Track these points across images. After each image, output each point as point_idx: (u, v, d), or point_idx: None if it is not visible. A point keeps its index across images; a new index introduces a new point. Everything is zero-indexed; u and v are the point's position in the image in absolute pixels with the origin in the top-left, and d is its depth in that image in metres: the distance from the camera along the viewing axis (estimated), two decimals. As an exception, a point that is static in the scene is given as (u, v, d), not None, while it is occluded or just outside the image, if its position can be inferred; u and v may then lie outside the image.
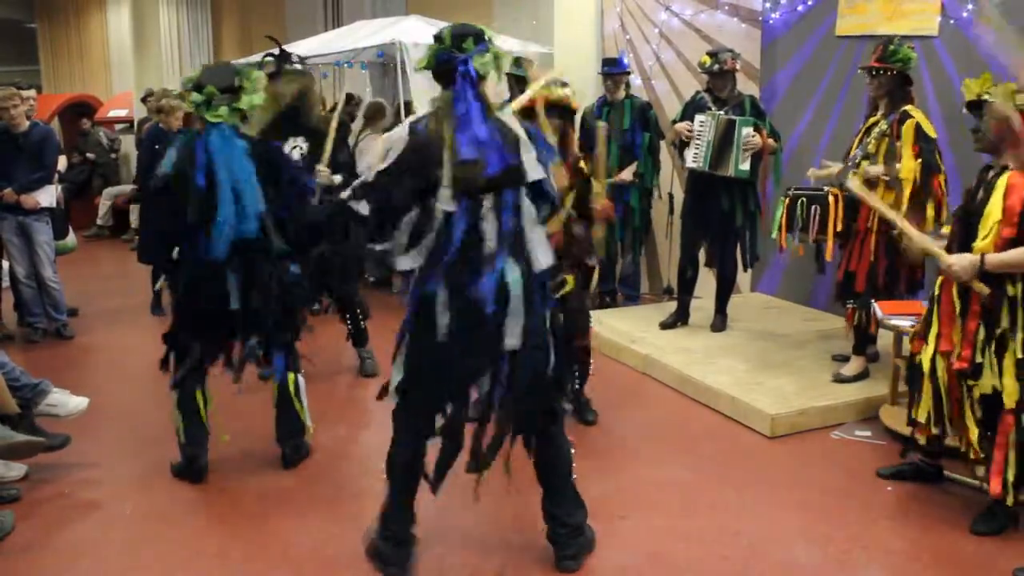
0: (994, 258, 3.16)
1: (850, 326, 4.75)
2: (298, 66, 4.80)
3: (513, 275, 2.78)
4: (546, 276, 2.92)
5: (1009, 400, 3.19)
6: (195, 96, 3.57)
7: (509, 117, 2.87)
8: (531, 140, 2.85)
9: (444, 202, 2.75)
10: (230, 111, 3.59)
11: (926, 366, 3.42)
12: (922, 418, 3.45)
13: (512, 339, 2.80)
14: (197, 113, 3.62)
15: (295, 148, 4.57)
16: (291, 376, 3.92)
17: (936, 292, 3.44)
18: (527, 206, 2.84)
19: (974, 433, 3.31)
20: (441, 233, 2.78)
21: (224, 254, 3.53)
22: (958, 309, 3.31)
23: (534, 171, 2.81)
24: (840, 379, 4.75)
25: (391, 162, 2.82)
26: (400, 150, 2.82)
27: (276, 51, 4.80)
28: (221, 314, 3.62)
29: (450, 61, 2.79)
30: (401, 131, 2.89)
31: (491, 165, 2.74)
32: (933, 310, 3.45)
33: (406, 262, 2.86)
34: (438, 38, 2.84)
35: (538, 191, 2.86)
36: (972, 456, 3.37)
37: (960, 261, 3.24)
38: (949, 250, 3.36)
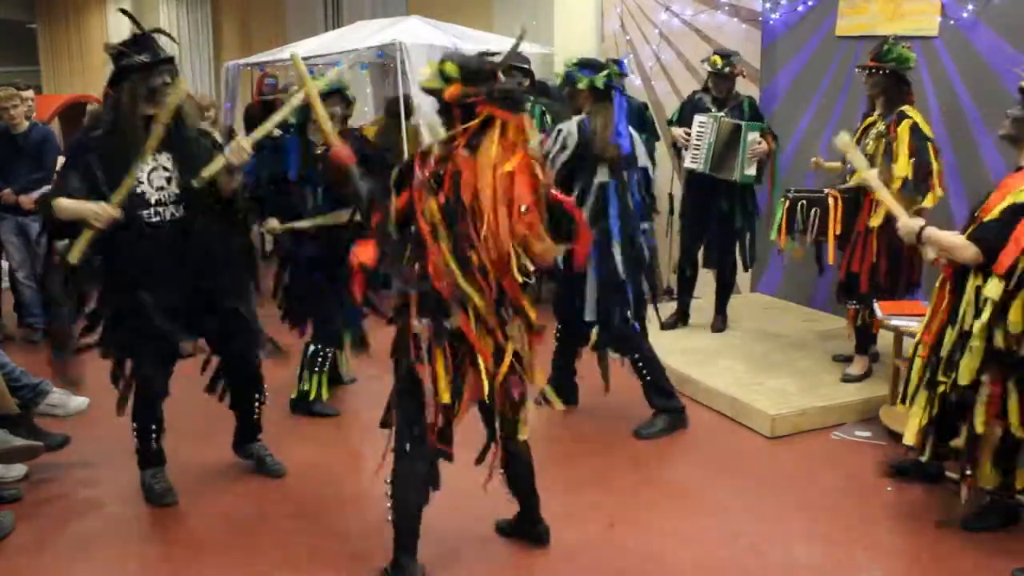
0: (931, 232, 3.25)
1: (852, 326, 4.76)
2: None
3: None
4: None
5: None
6: None
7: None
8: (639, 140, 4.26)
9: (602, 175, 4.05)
10: None
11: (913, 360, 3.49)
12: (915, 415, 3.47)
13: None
14: None
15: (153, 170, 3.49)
16: None
17: (936, 291, 3.46)
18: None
19: (919, 421, 3.34)
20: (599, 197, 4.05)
21: None
22: (944, 304, 3.34)
23: (643, 159, 4.24)
24: (849, 379, 4.77)
25: (570, 149, 4.02)
26: (574, 142, 4.02)
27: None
28: None
29: (612, 86, 4.11)
30: (571, 128, 4.05)
31: (625, 149, 4.08)
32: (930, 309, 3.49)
33: None
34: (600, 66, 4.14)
35: (643, 173, 4.23)
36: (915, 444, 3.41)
37: (906, 222, 3.37)
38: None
